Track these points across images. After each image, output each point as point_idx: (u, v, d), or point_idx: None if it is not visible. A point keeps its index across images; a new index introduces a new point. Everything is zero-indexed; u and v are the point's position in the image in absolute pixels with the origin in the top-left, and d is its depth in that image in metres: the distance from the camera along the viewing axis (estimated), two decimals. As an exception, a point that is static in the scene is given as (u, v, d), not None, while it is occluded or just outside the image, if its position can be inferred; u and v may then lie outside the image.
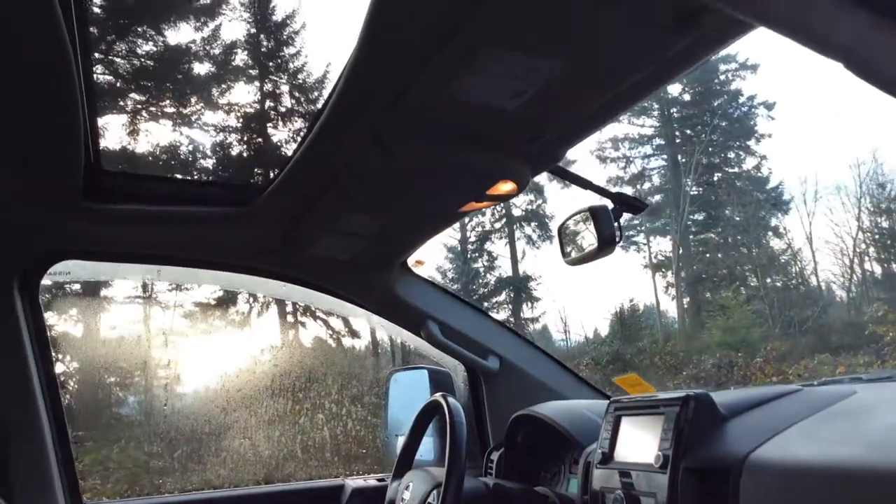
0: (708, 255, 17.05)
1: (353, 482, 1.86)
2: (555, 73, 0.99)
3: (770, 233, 16.75)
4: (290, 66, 11.41)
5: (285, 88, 11.20)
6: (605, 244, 1.34)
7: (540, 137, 1.20)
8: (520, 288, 16.55)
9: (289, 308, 9.09)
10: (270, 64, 11.25)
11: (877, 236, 15.97)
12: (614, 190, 1.41)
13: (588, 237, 1.38)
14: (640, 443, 1.27)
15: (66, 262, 1.63)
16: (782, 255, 16.39)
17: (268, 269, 1.80)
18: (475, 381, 1.92)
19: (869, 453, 0.95)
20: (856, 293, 15.94)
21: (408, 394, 2.05)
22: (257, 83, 11.07)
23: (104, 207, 1.48)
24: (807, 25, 0.52)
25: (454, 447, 1.37)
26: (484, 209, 2.01)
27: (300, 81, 11.34)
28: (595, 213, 1.36)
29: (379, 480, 1.87)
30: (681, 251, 17.08)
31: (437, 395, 1.54)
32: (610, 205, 1.37)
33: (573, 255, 1.43)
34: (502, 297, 16.86)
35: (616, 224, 1.34)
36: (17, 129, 1.16)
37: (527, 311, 16.68)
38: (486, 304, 16.12)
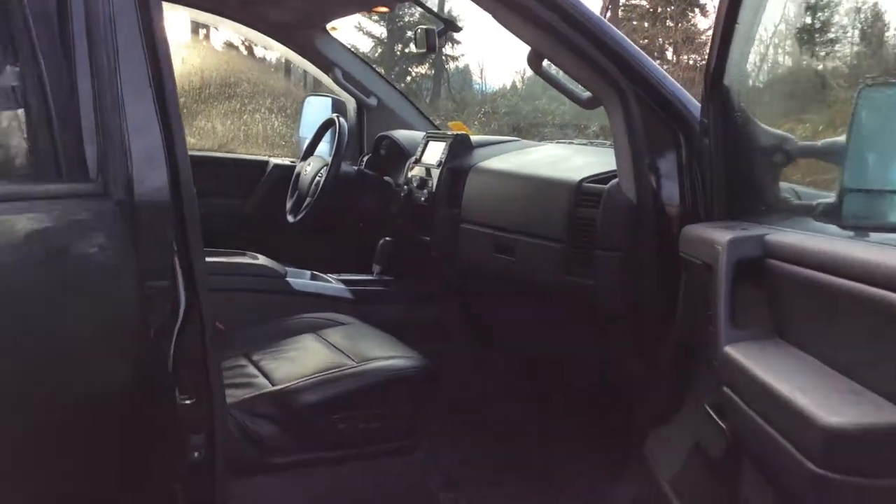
0: (635, 23, 17.72)
1: (275, 160, 2.97)
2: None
3: (697, 10, 17.32)
4: None
5: None
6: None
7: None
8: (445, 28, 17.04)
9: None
10: None
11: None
12: None
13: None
14: (433, 154, 2.41)
15: None
16: (702, 34, 17.12)
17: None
18: (360, 111, 2.99)
19: (520, 167, 2.12)
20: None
21: (317, 112, 3.10)
22: None
23: None
24: None
25: (338, 146, 2.47)
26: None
27: None
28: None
29: (291, 162, 2.96)
30: (608, 14, 17.72)
31: (334, 115, 2.62)
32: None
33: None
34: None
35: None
36: None
37: (448, 49, 17.35)
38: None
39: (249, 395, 1.60)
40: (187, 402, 1.32)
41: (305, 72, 3.22)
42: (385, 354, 1.78)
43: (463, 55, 18.11)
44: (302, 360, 1.78)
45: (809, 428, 0.85)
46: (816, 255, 1.04)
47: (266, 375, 1.71)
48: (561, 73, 1.86)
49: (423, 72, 17.59)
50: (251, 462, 1.54)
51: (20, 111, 1.14)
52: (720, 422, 1.18)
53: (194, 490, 1.37)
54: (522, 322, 2.13)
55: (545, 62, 1.82)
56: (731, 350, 1.12)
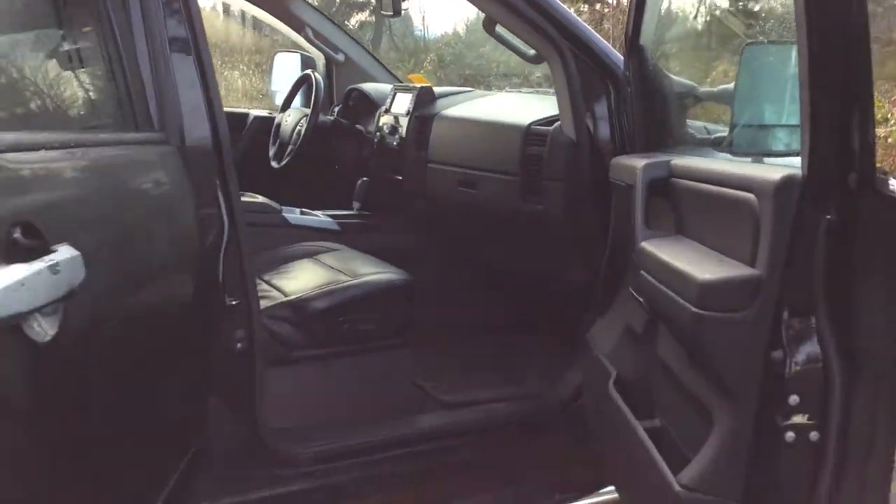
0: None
1: (255, 112, 3.29)
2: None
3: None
4: None
5: None
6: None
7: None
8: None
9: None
10: None
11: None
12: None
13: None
14: (401, 104, 2.77)
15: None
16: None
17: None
18: (329, 66, 3.32)
19: (477, 113, 2.51)
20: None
21: (287, 68, 3.41)
22: None
23: None
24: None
25: (316, 98, 2.81)
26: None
27: None
28: None
29: (269, 114, 3.28)
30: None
31: (309, 71, 2.96)
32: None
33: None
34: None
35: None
36: None
37: None
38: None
39: (269, 304, 1.98)
40: (233, 302, 1.70)
41: (273, 28, 3.51)
42: (374, 270, 2.18)
43: (404, 1, 18.17)
44: (306, 277, 2.17)
45: (690, 283, 1.28)
46: (699, 172, 1.47)
47: (279, 290, 2.09)
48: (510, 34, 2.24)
49: (363, 19, 17.64)
50: (275, 355, 1.92)
51: (109, 77, 1.48)
52: (638, 297, 1.62)
53: (236, 376, 1.76)
54: (484, 243, 2.54)
55: (497, 26, 2.19)
56: (645, 245, 1.55)
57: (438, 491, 2.11)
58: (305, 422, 1.96)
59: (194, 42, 1.62)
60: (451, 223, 2.63)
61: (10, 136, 0.96)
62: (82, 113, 1.52)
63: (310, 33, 3.17)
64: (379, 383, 2.10)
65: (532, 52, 2.21)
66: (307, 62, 3.28)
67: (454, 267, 2.65)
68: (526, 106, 2.53)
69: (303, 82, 3.02)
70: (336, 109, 3.18)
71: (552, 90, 2.34)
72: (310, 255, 2.36)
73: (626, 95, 1.99)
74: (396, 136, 2.71)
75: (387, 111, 2.83)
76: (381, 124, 2.83)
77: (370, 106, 3.02)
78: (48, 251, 0.91)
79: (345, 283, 2.07)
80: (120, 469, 1.24)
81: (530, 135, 2.23)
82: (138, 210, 1.35)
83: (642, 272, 1.55)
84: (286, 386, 1.96)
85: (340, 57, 3.26)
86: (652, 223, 1.61)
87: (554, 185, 2.17)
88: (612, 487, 2.05)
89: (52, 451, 1.00)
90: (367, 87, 3.09)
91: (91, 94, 1.55)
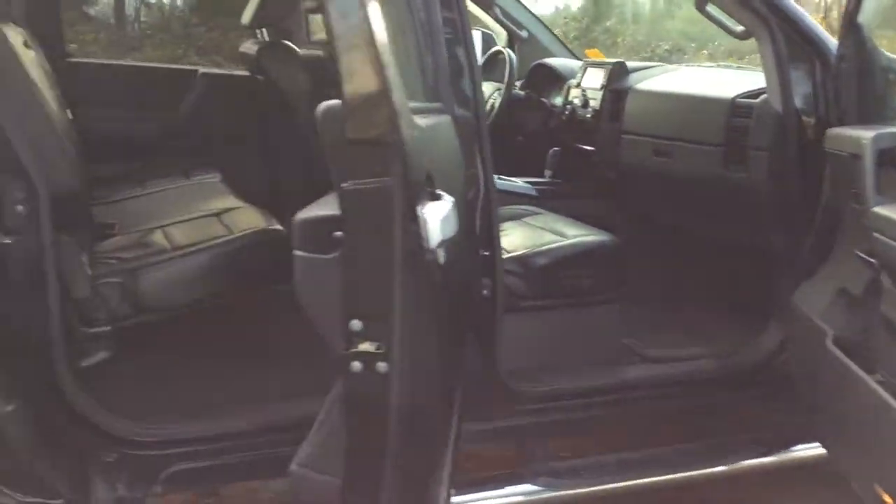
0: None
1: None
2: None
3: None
4: None
5: None
6: None
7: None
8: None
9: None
10: None
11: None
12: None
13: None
14: (593, 79, 2.95)
15: None
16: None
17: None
18: (511, 43, 3.52)
19: (674, 87, 2.66)
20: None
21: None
22: None
23: None
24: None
25: (511, 73, 3.02)
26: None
27: None
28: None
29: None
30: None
31: (502, 47, 3.17)
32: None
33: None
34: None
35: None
36: None
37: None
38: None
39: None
40: (485, 253, 1.93)
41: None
42: (583, 232, 2.37)
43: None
44: (521, 237, 2.38)
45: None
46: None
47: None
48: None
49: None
50: (507, 304, 2.15)
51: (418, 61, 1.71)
52: (870, 259, 1.75)
53: (482, 319, 1.99)
54: (679, 208, 2.69)
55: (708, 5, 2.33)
56: (879, 209, 1.68)
57: (641, 437, 2.30)
58: (529, 364, 2.18)
59: (464, 33, 1.85)
60: (644, 190, 2.79)
61: (414, 104, 1.19)
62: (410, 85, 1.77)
63: (498, 12, 3.38)
64: (591, 335, 2.30)
65: (739, 28, 2.34)
66: (487, 39, 3.49)
67: (646, 230, 2.81)
68: (721, 80, 2.66)
69: (495, 57, 3.23)
70: (519, 83, 3.38)
71: (724, 64, 2.44)
72: (516, 217, 2.57)
73: (838, 70, 2.09)
74: (589, 109, 2.89)
75: (577, 85, 3.00)
76: (570, 98, 3.02)
77: (556, 80, 3.21)
78: (438, 197, 1.15)
79: (564, 243, 2.28)
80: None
81: (736, 107, 2.37)
82: (454, 167, 1.61)
83: (876, 234, 1.68)
84: (514, 332, 2.19)
85: (524, 34, 3.45)
86: (881, 189, 1.74)
87: (759, 154, 2.30)
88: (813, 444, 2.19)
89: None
90: (554, 62, 3.27)
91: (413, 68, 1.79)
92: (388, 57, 0.99)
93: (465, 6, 1.86)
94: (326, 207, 1.24)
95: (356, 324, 1.09)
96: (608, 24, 14.14)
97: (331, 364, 1.27)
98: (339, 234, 1.11)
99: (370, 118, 1.02)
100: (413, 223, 1.01)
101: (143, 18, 9.12)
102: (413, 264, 1.05)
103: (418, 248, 1.03)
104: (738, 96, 2.39)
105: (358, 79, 1.00)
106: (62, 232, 1.74)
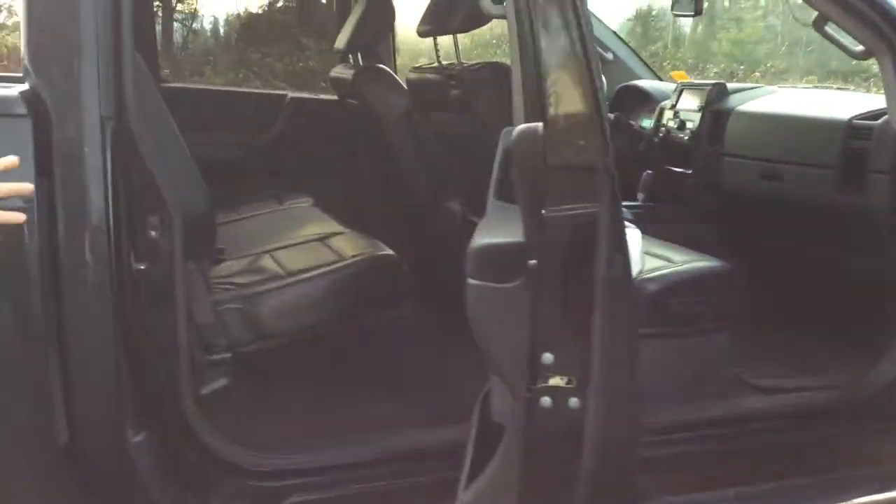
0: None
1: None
2: None
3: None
4: None
5: None
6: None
7: None
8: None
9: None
10: None
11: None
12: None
13: None
14: (689, 101, 2.89)
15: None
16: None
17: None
18: (595, 64, 3.48)
19: (783, 108, 2.58)
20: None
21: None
22: None
23: None
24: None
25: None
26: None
27: None
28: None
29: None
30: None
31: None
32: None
33: None
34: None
35: None
36: None
37: None
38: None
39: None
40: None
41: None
42: (691, 258, 2.30)
43: None
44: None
45: None
46: None
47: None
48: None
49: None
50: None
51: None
52: None
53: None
54: (790, 233, 2.61)
55: (828, 25, 2.27)
56: None
57: (751, 469, 2.21)
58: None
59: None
60: (750, 214, 2.71)
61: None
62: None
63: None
64: (696, 362, 2.22)
65: (859, 48, 2.26)
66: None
67: (752, 255, 2.73)
68: (829, 101, 2.59)
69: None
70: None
71: (822, 86, 2.37)
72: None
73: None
74: (686, 131, 2.83)
75: (672, 107, 2.95)
76: (664, 120, 2.96)
77: (645, 102, 3.16)
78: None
79: (674, 269, 2.21)
80: None
81: (853, 129, 2.29)
82: None
83: None
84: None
85: (609, 56, 3.41)
86: None
87: (880, 177, 2.22)
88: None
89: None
90: (644, 83, 3.22)
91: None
92: (600, 80, 0.95)
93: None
94: (501, 234, 1.19)
95: (548, 357, 1.04)
96: (653, 48, 14.09)
97: (482, 396, 1.22)
98: (532, 262, 1.06)
99: (578, 142, 0.97)
100: (618, 252, 0.97)
101: (189, 45, 9.31)
102: (615, 295, 1.01)
103: (623, 278, 0.98)
104: (854, 118, 2.31)
105: (566, 101, 0.96)
106: (188, 257, 1.72)
